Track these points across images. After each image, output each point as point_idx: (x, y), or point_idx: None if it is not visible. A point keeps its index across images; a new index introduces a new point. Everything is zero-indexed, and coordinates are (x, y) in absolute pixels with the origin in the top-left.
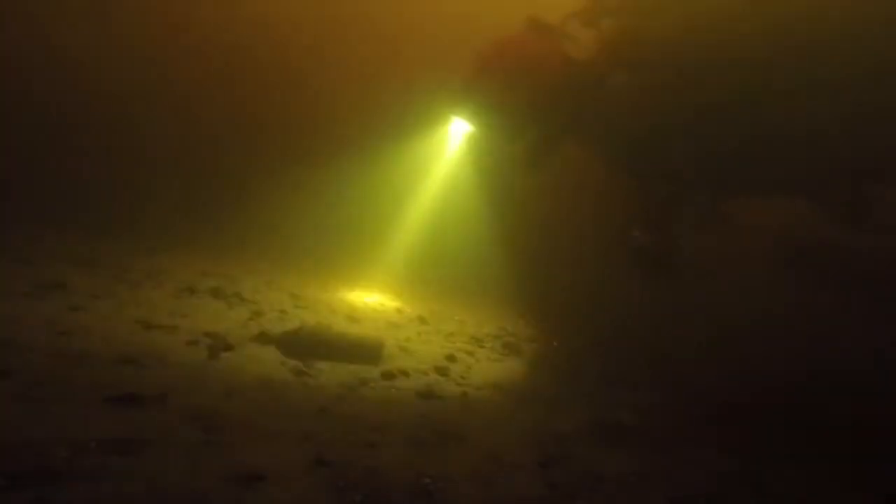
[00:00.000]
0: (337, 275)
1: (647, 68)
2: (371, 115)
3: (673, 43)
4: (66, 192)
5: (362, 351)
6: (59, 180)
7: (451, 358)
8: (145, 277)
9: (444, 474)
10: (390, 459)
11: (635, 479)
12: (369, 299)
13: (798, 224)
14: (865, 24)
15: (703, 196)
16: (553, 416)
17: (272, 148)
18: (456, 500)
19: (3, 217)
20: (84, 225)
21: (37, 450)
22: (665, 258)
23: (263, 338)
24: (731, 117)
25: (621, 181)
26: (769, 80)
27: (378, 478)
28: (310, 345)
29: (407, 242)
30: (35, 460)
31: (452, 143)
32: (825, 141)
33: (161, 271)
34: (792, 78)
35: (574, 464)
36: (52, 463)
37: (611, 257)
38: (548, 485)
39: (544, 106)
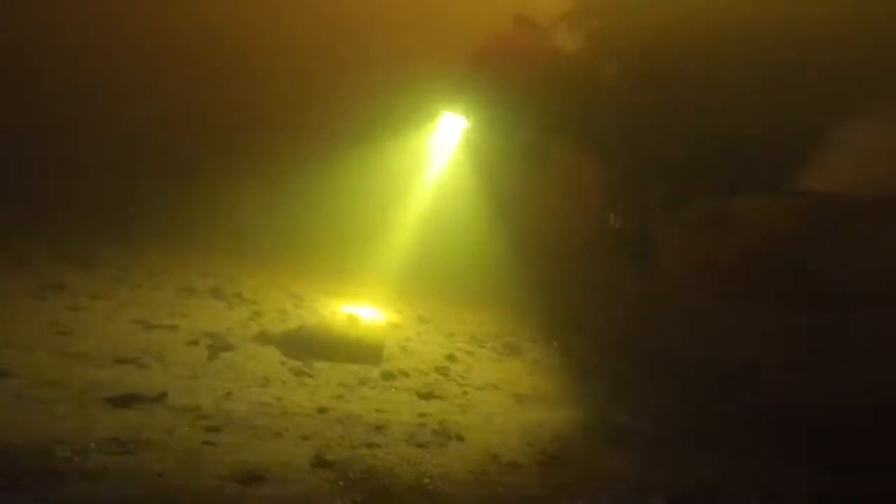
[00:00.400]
0: (337, 274)
1: (636, 63)
2: (370, 112)
3: (661, 39)
4: (66, 193)
5: (362, 351)
6: (58, 181)
7: (451, 357)
8: (145, 277)
9: (444, 474)
10: (390, 459)
11: (635, 478)
12: (369, 299)
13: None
14: (845, 20)
15: (698, 195)
16: (553, 416)
17: (272, 149)
18: (456, 500)
19: (3, 217)
20: (84, 225)
21: (37, 450)
22: (640, 245)
23: (263, 338)
24: (719, 115)
25: (612, 176)
26: (758, 78)
27: (378, 478)
28: (310, 345)
29: (407, 240)
30: (35, 460)
31: (449, 139)
32: (817, 138)
33: (161, 271)
34: (782, 76)
35: (574, 464)
36: (52, 463)
37: (610, 254)
38: (548, 485)
39: (538, 100)
